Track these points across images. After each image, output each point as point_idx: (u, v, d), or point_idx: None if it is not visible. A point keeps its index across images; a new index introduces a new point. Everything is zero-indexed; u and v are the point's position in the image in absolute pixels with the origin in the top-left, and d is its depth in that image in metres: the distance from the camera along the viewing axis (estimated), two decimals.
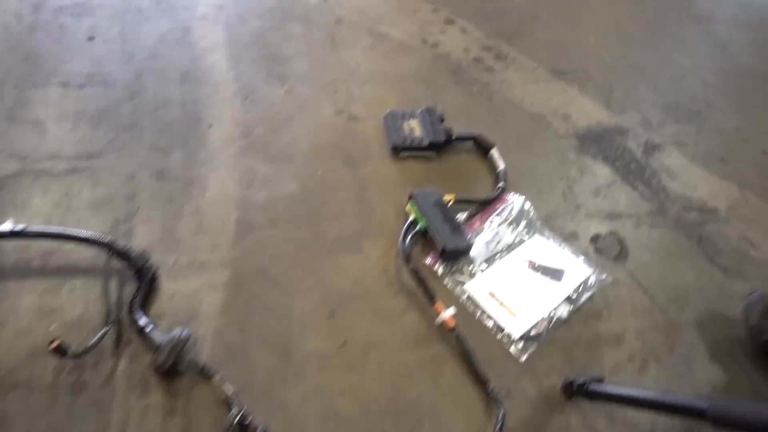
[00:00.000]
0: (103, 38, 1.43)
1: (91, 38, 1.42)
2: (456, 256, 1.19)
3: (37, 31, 1.42)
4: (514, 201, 1.30)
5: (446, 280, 1.16)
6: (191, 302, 1.04)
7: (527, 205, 1.30)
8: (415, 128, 1.37)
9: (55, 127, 1.24)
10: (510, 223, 1.27)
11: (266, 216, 1.19)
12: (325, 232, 1.19)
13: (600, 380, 1.01)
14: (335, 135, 1.37)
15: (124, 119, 1.27)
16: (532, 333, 1.11)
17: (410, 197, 1.23)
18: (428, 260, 1.18)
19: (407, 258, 1.14)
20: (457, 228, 1.19)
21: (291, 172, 1.27)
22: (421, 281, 1.12)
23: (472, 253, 1.20)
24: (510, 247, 1.24)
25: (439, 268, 1.17)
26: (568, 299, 1.16)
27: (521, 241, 1.25)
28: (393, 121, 1.38)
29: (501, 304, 1.14)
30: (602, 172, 1.42)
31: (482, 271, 1.18)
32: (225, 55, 1.47)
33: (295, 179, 1.25)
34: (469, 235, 1.22)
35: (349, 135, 1.37)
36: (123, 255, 1.03)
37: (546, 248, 1.24)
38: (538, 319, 1.12)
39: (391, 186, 1.29)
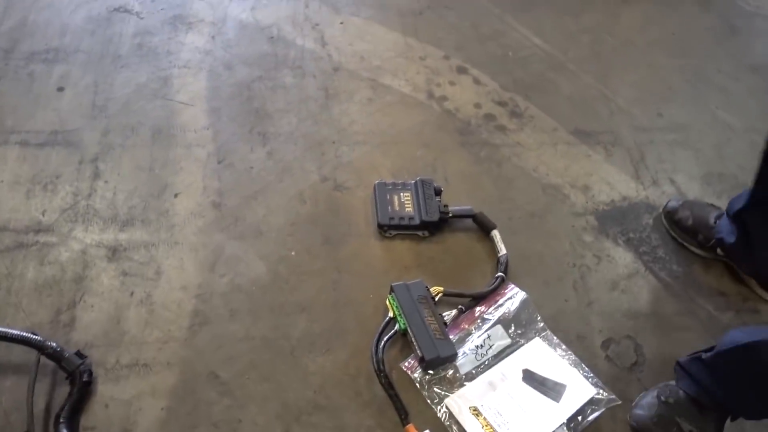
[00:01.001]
0: (74, 89, 1.39)
1: (60, 89, 1.38)
2: (438, 364, 1.08)
3: (4, 79, 1.38)
4: (514, 295, 1.19)
5: (425, 391, 1.05)
6: (128, 413, 0.97)
7: (528, 300, 1.18)
8: (406, 203, 1.27)
9: (7, 194, 1.19)
10: (506, 323, 1.15)
11: (227, 306, 1.11)
12: (289, 328, 1.10)
13: None
14: (317, 207, 1.28)
15: (83, 186, 1.22)
16: None
17: (391, 290, 1.13)
18: (407, 363, 1.08)
19: (380, 365, 1.04)
20: (441, 331, 1.08)
21: (261, 251, 1.19)
22: (393, 396, 1.02)
23: (459, 360, 1.10)
24: (504, 352, 1.12)
25: (418, 375, 1.07)
26: (568, 422, 1.04)
27: (518, 345, 1.13)
28: (383, 193, 1.28)
29: (485, 425, 1.02)
30: (623, 258, 1.29)
31: (468, 381, 1.08)
32: (204, 109, 1.40)
33: (265, 261, 1.17)
34: (456, 337, 1.12)
35: (333, 207, 1.28)
36: (54, 357, 0.97)
37: (546, 356, 1.12)
38: None
39: (373, 272, 1.20)
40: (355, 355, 1.08)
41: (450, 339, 1.09)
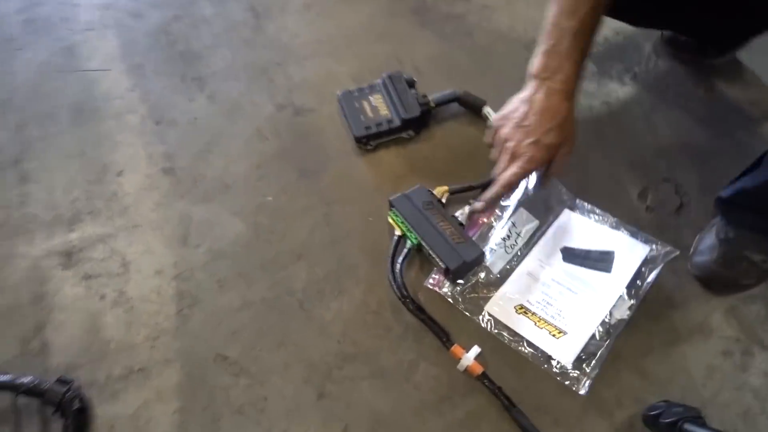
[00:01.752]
0: None
1: None
2: (465, 271, 0.94)
3: None
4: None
5: (461, 304, 0.92)
6: (137, 427, 0.84)
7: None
8: (379, 106, 1.10)
9: None
10: (528, 204, 1.01)
11: (212, 278, 0.96)
12: (290, 281, 0.95)
13: (698, 416, 0.77)
14: (281, 141, 1.11)
15: (12, 194, 1.04)
16: (589, 351, 0.87)
17: (390, 206, 0.98)
18: (431, 280, 0.94)
19: (402, 290, 0.90)
20: (459, 233, 0.94)
21: (233, 207, 1.02)
22: (427, 320, 0.89)
23: (487, 260, 0.96)
24: (534, 237, 0.98)
25: (448, 290, 0.94)
26: (627, 290, 0.91)
27: (548, 224, 0.99)
28: (350, 103, 1.11)
29: (538, 321, 0.89)
30: (635, 96, 1.13)
31: (505, 279, 0.94)
32: (123, 70, 1.20)
33: (240, 216, 1.01)
34: (477, 235, 0.98)
35: (299, 136, 1.11)
36: (33, 392, 0.82)
37: (582, 227, 0.98)
38: (592, 329, 0.88)
39: (365, 193, 1.04)
40: (372, 289, 0.94)
41: (471, 239, 0.95)
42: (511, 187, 0.91)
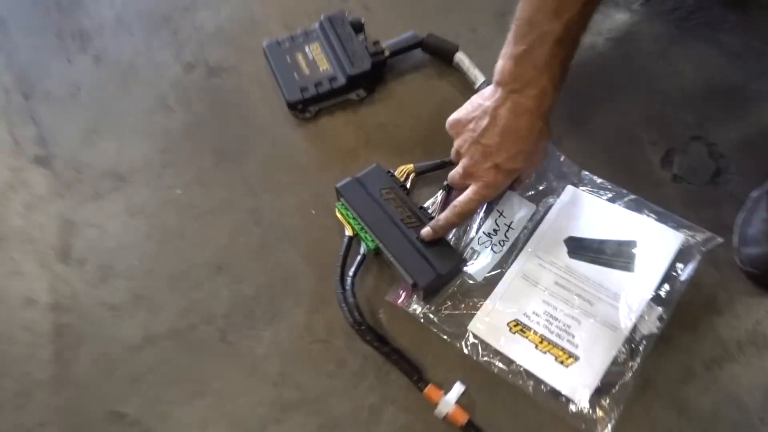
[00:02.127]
0: None
1: None
2: (441, 285, 0.71)
3: None
4: None
5: (435, 326, 0.69)
6: None
7: None
8: (318, 59, 0.84)
9: None
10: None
11: (102, 305, 0.71)
12: (208, 304, 0.71)
13: None
14: (191, 112, 0.85)
15: None
16: (610, 380, 0.65)
17: (338, 195, 0.74)
18: (397, 294, 0.71)
19: (354, 314, 0.66)
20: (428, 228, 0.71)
21: (130, 205, 0.77)
22: (390, 353, 0.66)
23: (469, 265, 0.72)
24: (529, 228, 0.74)
25: (418, 307, 0.71)
26: (656, 294, 0.69)
27: (546, 207, 0.76)
28: (279, 57, 0.84)
29: (540, 343, 0.67)
30: (648, 30, 0.88)
31: (492, 289, 0.71)
32: None
33: (140, 216, 0.76)
34: (454, 234, 0.74)
35: (215, 104, 0.85)
36: None
37: (591, 209, 0.75)
38: (613, 351, 0.66)
39: (304, 176, 0.79)
40: (318, 310, 0.70)
41: (446, 241, 0.71)
42: (465, 217, 0.70)
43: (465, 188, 0.71)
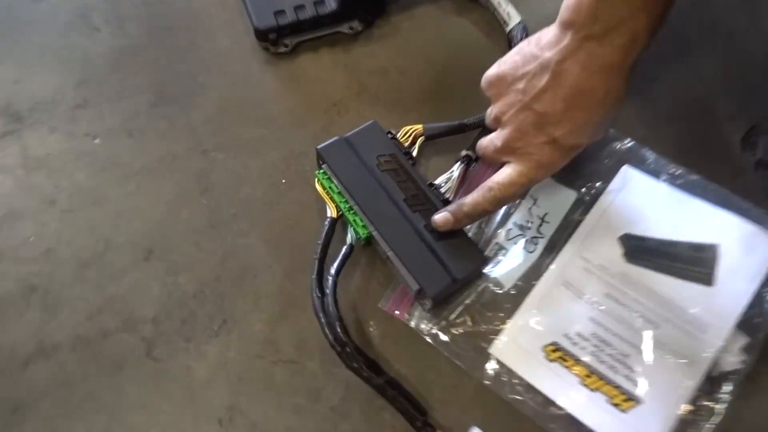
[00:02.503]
0: None
1: None
2: (454, 291, 0.53)
3: None
4: None
5: (444, 346, 0.51)
6: None
7: None
8: None
9: None
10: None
11: None
12: (127, 303, 0.51)
13: None
14: (122, 32, 0.62)
15: None
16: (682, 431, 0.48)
17: (319, 161, 0.54)
18: (391, 304, 0.53)
19: (337, 331, 0.47)
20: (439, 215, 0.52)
21: (27, 156, 0.55)
22: (385, 384, 0.48)
23: (493, 268, 0.53)
24: (572, 219, 0.55)
25: (422, 320, 0.52)
26: (744, 319, 0.51)
27: (593, 196, 0.58)
28: None
29: (587, 377, 0.50)
30: None
31: (523, 299, 0.52)
32: None
33: (39, 174, 0.55)
34: (474, 226, 0.55)
35: (156, 24, 0.63)
36: None
37: (656, 197, 0.56)
38: (686, 392, 0.48)
39: (275, 133, 0.58)
40: (285, 317, 0.51)
41: (464, 234, 0.52)
42: (501, 204, 0.51)
43: (500, 164, 0.52)
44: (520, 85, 0.49)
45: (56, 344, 0.49)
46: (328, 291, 0.49)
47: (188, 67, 0.61)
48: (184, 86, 0.60)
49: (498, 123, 0.51)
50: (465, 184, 0.56)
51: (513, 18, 0.62)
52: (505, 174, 0.49)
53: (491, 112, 0.52)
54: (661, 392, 0.48)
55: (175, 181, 0.56)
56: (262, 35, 0.60)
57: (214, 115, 0.59)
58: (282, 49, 0.62)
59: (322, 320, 0.48)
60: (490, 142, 0.52)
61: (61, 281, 0.52)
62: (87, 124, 0.58)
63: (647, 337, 0.51)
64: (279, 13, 0.60)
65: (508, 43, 0.62)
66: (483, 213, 0.50)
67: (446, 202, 0.53)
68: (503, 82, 0.50)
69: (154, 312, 0.51)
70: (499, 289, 0.53)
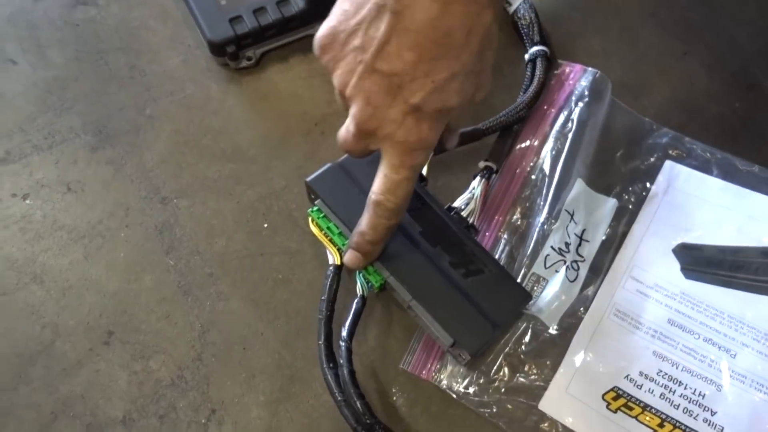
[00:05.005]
0: None
1: None
2: (495, 342, 0.44)
3: None
4: (582, 92, 0.51)
5: (485, 405, 0.43)
6: None
7: (607, 82, 0.51)
8: None
9: None
10: (587, 164, 0.49)
11: None
12: (90, 401, 0.41)
13: None
14: (45, 62, 0.51)
15: None
16: None
17: (311, 195, 0.45)
18: (416, 363, 0.43)
19: (358, 408, 0.38)
20: (470, 250, 0.43)
21: None
22: None
23: (533, 304, 0.45)
24: (615, 232, 0.48)
25: (451, 378, 0.43)
26: None
27: (638, 202, 0.49)
28: None
29: (660, 428, 0.42)
30: None
31: (569, 341, 0.44)
32: None
33: None
34: (502, 249, 0.46)
35: (85, 48, 0.52)
36: None
37: (710, 196, 0.48)
38: None
39: (247, 167, 0.49)
40: (287, 398, 0.42)
41: (498, 264, 0.44)
42: (397, 214, 0.39)
43: (369, 154, 0.40)
44: (357, 41, 0.36)
45: None
46: (341, 360, 0.40)
47: (131, 96, 0.51)
48: (128, 121, 0.50)
49: (344, 99, 0.38)
50: (488, 201, 0.48)
51: None
52: (380, 177, 0.38)
53: (336, 85, 0.39)
54: None
55: (132, 240, 0.46)
56: (217, 49, 0.51)
57: (171, 153, 0.49)
58: (244, 63, 0.52)
59: (339, 398, 0.39)
60: (345, 130, 0.39)
61: (0, 386, 0.42)
62: (12, 182, 0.47)
63: (725, 369, 0.43)
64: (235, 20, 0.50)
65: (514, 26, 0.54)
66: (389, 230, 0.40)
67: (471, 229, 0.45)
68: (336, 42, 0.37)
69: (123, 410, 0.41)
70: (543, 331, 0.44)
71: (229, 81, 0.52)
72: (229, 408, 0.42)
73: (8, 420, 0.41)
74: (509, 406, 0.43)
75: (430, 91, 0.35)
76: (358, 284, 0.43)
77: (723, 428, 0.41)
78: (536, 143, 0.50)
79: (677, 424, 0.42)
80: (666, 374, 0.43)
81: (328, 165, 0.45)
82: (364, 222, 0.40)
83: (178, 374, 0.43)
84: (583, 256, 0.47)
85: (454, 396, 0.43)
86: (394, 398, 0.43)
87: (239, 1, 0.51)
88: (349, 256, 0.41)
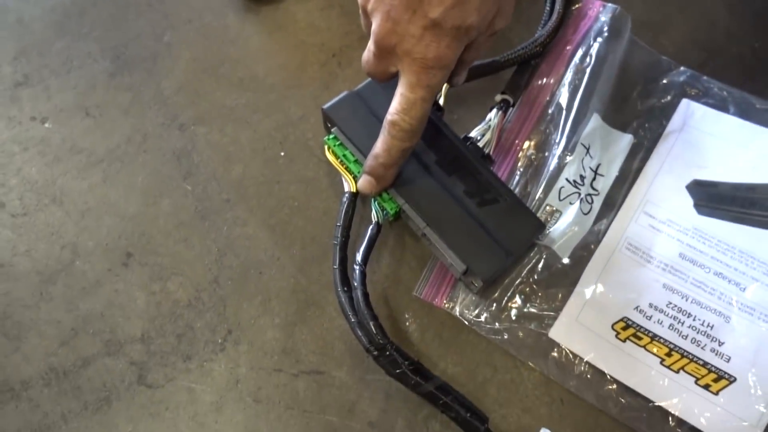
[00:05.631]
0: None
1: None
2: (505, 270, 0.45)
3: None
4: (602, 28, 0.51)
5: (496, 333, 0.44)
6: None
7: (628, 20, 0.50)
8: None
9: None
10: (603, 98, 0.49)
11: None
12: (108, 322, 0.42)
13: None
14: None
15: None
16: None
17: (327, 123, 0.45)
18: (429, 289, 0.44)
19: (371, 329, 0.39)
20: (485, 178, 0.43)
21: None
22: (437, 394, 0.40)
23: (545, 234, 0.45)
24: (631, 167, 0.48)
25: (463, 306, 0.44)
26: None
27: (653, 138, 0.49)
28: None
29: (667, 356, 0.42)
30: None
31: (580, 272, 0.45)
32: None
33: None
34: (517, 178, 0.47)
35: None
36: None
37: (724, 133, 0.48)
38: None
39: (263, 96, 0.49)
40: (302, 320, 0.42)
41: (513, 194, 0.44)
42: (412, 136, 0.39)
43: (390, 77, 0.40)
44: None
45: (25, 380, 0.41)
46: (355, 284, 0.41)
47: (150, 23, 0.51)
48: (147, 48, 0.50)
49: (366, 16, 0.39)
50: (504, 133, 0.48)
51: None
52: (397, 97, 0.39)
53: (358, 3, 0.39)
54: (759, 367, 0.42)
55: (150, 165, 0.47)
56: None
57: (188, 81, 0.49)
58: None
59: (352, 320, 0.40)
60: (367, 51, 0.40)
61: (23, 303, 0.43)
62: (32, 105, 0.48)
63: (734, 302, 0.44)
64: None
65: None
66: (403, 153, 0.40)
67: (487, 159, 0.45)
68: None
69: (141, 329, 0.42)
70: (555, 261, 0.45)
71: (246, 10, 0.52)
72: (246, 329, 0.43)
73: (30, 335, 0.42)
74: (520, 334, 0.43)
75: (450, 5, 0.35)
76: (374, 211, 0.43)
77: (730, 358, 0.42)
78: (553, 78, 0.50)
79: (685, 354, 0.42)
80: (675, 306, 0.44)
81: (344, 93, 0.45)
82: (378, 145, 0.40)
83: (196, 296, 0.44)
84: (597, 190, 0.47)
85: (466, 323, 0.43)
86: (407, 323, 0.43)
87: None
88: (363, 181, 0.42)
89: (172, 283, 0.44)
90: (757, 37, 0.52)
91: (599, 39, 0.50)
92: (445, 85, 0.47)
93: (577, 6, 0.52)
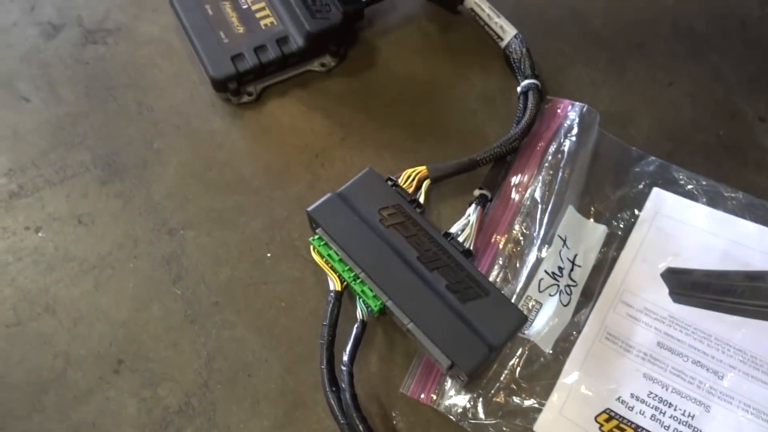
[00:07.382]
0: None
1: None
2: (491, 361, 0.46)
3: None
4: (572, 123, 0.54)
5: (479, 426, 0.44)
6: None
7: (596, 117, 0.53)
8: (258, 10, 0.55)
9: None
10: (575, 191, 0.52)
11: None
12: (100, 428, 0.45)
13: None
14: (56, 99, 0.54)
15: None
16: None
17: (312, 225, 0.47)
18: (416, 386, 0.45)
19: (358, 428, 0.40)
20: (467, 275, 0.44)
21: None
22: None
23: (528, 327, 0.46)
24: (604, 259, 0.49)
25: (449, 403, 0.44)
26: None
27: (625, 227, 0.51)
28: (193, 8, 0.54)
29: None
30: None
31: (566, 359, 0.45)
32: None
33: None
34: (498, 272, 0.48)
35: (94, 85, 0.55)
36: None
37: (697, 220, 0.50)
38: None
39: (250, 198, 0.51)
40: (292, 419, 0.43)
41: (495, 288, 0.45)
42: None
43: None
44: None
45: None
46: (343, 384, 0.42)
47: (139, 131, 0.53)
48: (137, 155, 0.52)
49: None
50: (483, 227, 0.50)
51: (508, 32, 0.55)
52: None
53: None
54: None
55: (140, 271, 0.48)
56: (220, 85, 0.53)
57: (177, 186, 0.51)
58: (246, 99, 0.54)
59: (341, 422, 0.41)
60: None
61: (15, 414, 0.43)
62: (26, 215, 0.49)
63: (713, 391, 0.45)
64: (237, 57, 0.53)
65: (506, 59, 0.56)
66: None
67: (467, 254, 0.46)
68: None
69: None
70: (538, 354, 0.46)
71: (232, 115, 0.54)
72: None
73: None
74: (506, 429, 0.44)
75: None
76: (358, 309, 0.45)
77: None
78: (528, 174, 0.52)
79: None
80: (656, 396, 0.45)
81: (328, 195, 0.46)
82: None
83: (186, 401, 0.44)
84: (575, 281, 0.49)
85: (452, 419, 0.44)
86: (395, 422, 0.44)
87: (241, 40, 0.53)
88: None
89: (163, 389, 0.44)
90: (721, 124, 0.55)
91: (570, 135, 0.52)
92: (426, 182, 0.49)
93: (547, 105, 0.55)
